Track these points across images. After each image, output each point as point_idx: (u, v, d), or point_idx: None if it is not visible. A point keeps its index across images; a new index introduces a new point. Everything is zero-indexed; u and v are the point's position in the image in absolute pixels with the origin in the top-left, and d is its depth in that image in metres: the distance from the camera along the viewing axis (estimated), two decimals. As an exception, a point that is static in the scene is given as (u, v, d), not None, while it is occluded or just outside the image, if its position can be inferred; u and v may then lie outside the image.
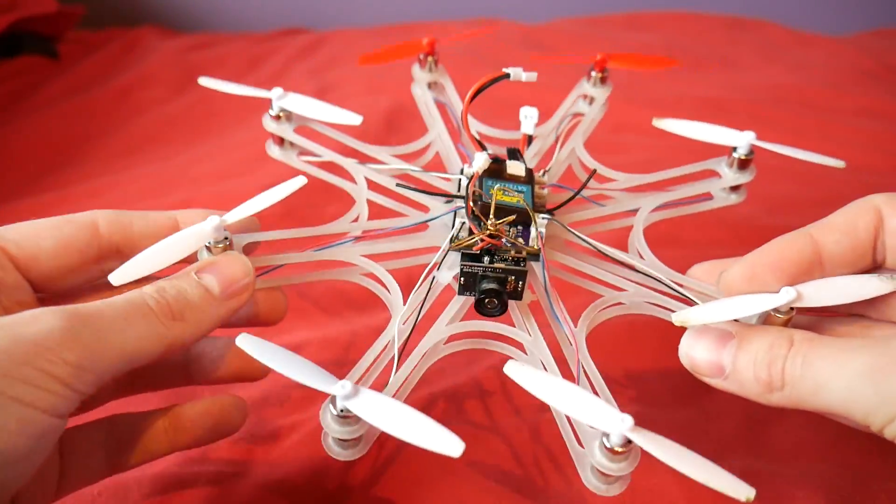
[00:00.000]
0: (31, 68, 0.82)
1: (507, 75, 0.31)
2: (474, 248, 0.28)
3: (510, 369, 0.24)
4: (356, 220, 0.31)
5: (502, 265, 0.28)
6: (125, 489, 0.33)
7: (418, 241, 0.30)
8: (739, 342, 0.25)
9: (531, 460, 0.35)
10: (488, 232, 0.28)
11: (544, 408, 0.26)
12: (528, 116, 0.33)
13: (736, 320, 0.26)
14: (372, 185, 0.33)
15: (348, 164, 0.33)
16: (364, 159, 0.34)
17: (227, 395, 0.31)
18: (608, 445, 0.22)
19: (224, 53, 0.89)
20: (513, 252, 0.28)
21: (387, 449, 0.35)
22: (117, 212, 0.28)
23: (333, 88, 0.90)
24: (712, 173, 0.34)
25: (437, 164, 0.35)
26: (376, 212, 0.32)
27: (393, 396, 0.24)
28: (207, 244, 0.27)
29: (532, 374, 0.23)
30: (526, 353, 0.28)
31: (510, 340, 0.29)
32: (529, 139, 0.34)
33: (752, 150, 0.33)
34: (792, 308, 0.26)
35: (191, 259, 0.27)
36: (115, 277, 0.26)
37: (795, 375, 0.23)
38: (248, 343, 0.24)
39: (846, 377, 0.22)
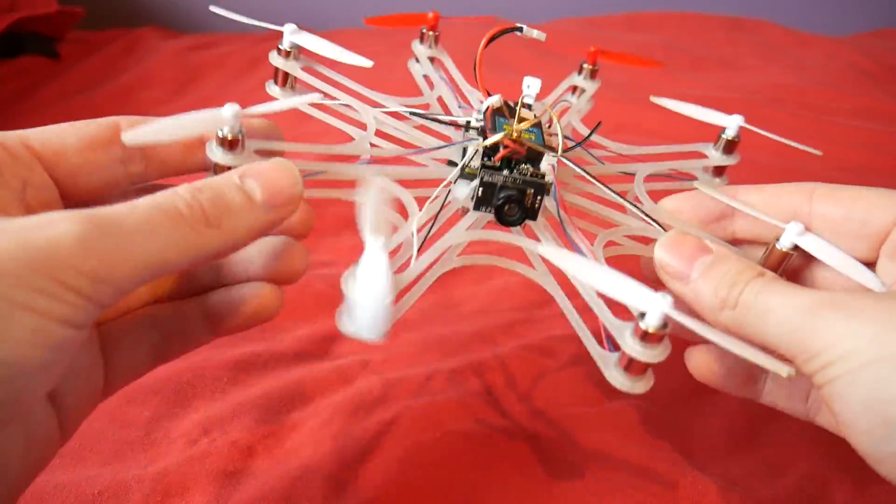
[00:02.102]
0: (32, 68, 0.82)
1: (521, 28, 0.36)
2: (495, 158, 0.28)
3: (545, 250, 0.24)
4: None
5: (522, 177, 0.29)
6: (126, 488, 0.33)
7: (423, 173, 0.31)
8: (715, 260, 0.26)
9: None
10: (514, 137, 0.28)
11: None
12: (531, 85, 0.34)
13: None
14: (378, 133, 0.33)
15: (359, 105, 0.33)
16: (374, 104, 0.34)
17: (264, 282, 0.28)
18: (643, 327, 0.22)
19: (224, 53, 0.89)
20: (531, 168, 0.29)
21: (386, 449, 0.35)
22: (139, 117, 0.27)
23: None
24: (701, 155, 0.35)
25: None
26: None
27: (410, 290, 0.25)
28: (220, 133, 0.26)
29: (568, 256, 0.23)
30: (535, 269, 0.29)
31: (524, 259, 0.29)
32: (528, 108, 0.35)
33: (739, 135, 0.35)
34: (795, 246, 0.27)
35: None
36: (128, 137, 0.25)
37: (749, 300, 0.24)
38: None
39: (790, 308, 0.24)
